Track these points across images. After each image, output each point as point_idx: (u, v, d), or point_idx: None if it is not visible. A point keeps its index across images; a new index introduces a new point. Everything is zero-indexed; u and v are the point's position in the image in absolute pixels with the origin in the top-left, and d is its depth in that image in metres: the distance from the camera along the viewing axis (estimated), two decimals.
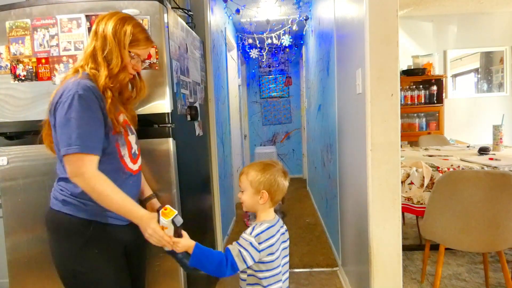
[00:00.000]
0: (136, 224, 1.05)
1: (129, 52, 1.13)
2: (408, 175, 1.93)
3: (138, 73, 1.23)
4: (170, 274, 1.50)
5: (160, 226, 1.04)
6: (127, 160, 1.15)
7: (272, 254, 1.11)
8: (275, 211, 1.21)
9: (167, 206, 1.08)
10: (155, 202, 1.33)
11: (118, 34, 1.10)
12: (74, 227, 1.06)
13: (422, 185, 1.90)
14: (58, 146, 1.04)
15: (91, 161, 1.01)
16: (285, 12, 3.92)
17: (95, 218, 1.08)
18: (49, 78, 1.42)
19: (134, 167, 1.19)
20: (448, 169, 1.90)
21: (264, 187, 1.13)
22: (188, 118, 1.76)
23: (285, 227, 1.22)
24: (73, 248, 1.07)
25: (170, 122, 1.45)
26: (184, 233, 1.09)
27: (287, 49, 4.99)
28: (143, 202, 1.30)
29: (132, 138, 1.20)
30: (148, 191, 1.33)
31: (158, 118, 1.43)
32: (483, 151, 2.42)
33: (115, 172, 1.10)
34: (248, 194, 1.15)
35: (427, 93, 3.82)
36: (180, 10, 2.02)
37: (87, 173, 0.99)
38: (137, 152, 1.22)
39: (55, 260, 1.10)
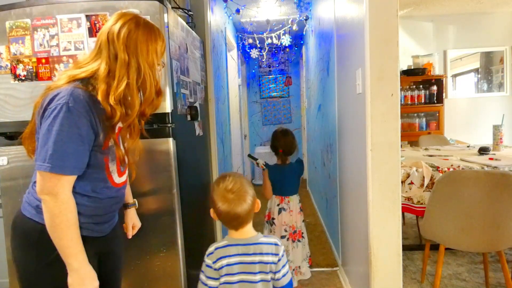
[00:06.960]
0: (69, 272, 0.91)
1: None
2: (408, 175, 1.93)
3: None
4: (170, 274, 1.50)
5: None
6: (115, 175, 1.05)
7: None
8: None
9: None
10: (133, 213, 1.27)
11: (151, 57, 0.98)
12: (46, 238, 0.91)
13: (422, 185, 1.90)
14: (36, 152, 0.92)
15: (68, 182, 0.91)
16: (285, 12, 3.92)
17: None
18: (49, 78, 1.42)
19: (120, 180, 1.08)
20: (448, 169, 1.90)
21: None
22: (188, 118, 1.76)
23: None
24: (40, 262, 0.94)
25: (170, 122, 1.45)
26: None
27: (287, 49, 4.99)
28: (123, 207, 1.24)
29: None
30: (129, 199, 1.27)
31: (158, 118, 1.42)
32: (483, 151, 2.41)
33: (98, 182, 1.00)
34: None
35: (427, 93, 3.82)
36: (180, 10, 2.02)
37: (61, 195, 0.89)
38: (125, 161, 1.10)
39: (18, 270, 0.97)
